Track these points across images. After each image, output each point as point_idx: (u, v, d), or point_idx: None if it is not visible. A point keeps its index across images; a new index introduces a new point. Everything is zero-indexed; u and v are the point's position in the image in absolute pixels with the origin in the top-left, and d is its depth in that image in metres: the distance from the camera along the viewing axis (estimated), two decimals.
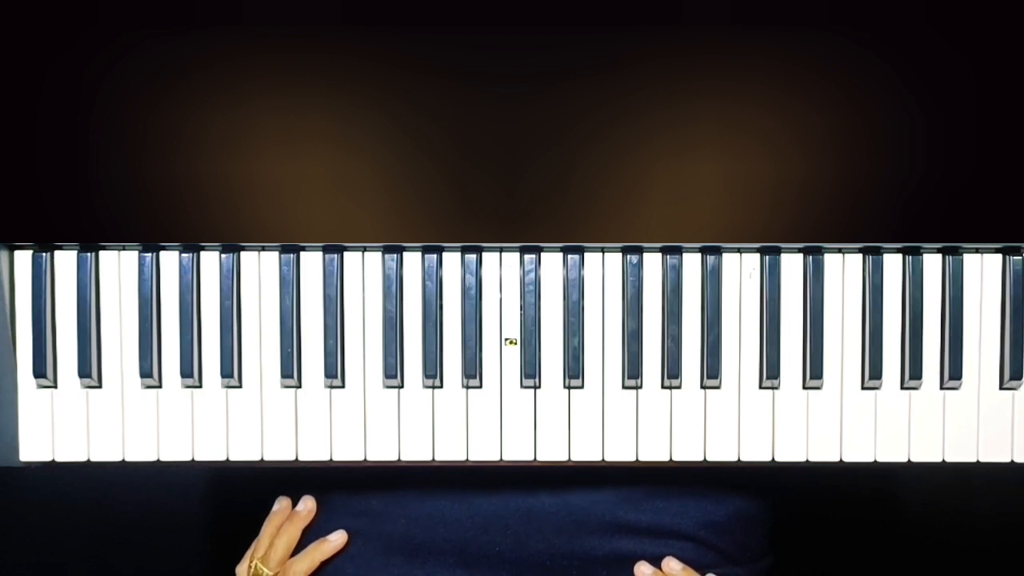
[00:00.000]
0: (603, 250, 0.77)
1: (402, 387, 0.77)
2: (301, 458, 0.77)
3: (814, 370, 0.76)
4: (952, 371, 0.76)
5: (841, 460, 0.77)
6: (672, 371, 0.76)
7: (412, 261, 0.77)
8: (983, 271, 0.77)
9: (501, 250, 0.77)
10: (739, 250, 0.77)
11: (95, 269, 0.77)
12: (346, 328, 0.77)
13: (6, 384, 0.77)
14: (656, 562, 0.79)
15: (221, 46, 0.74)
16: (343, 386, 0.77)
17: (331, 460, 0.77)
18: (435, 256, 0.77)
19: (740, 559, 0.83)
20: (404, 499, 0.81)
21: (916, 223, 0.74)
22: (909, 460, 0.77)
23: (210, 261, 0.77)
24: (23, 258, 0.77)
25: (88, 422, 0.77)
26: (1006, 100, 0.73)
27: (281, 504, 0.86)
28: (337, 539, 0.81)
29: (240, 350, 0.77)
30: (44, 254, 0.76)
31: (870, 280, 0.76)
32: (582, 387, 0.77)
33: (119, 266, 0.77)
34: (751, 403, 0.77)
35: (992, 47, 0.73)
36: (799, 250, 0.77)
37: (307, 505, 0.84)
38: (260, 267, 0.77)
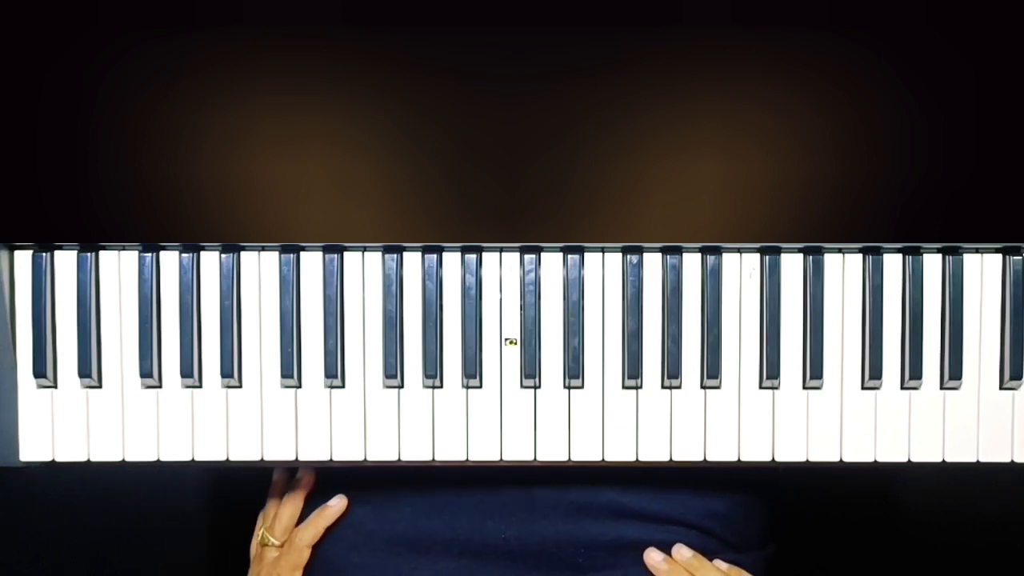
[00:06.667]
0: (603, 250, 0.77)
1: (402, 387, 0.77)
2: (301, 458, 0.77)
3: (814, 370, 0.76)
4: (952, 371, 0.76)
5: (841, 460, 0.77)
6: (672, 371, 0.76)
7: (412, 261, 0.77)
8: (983, 271, 0.77)
9: (501, 250, 0.77)
10: (739, 250, 0.77)
11: (95, 269, 0.77)
12: (346, 328, 0.77)
13: (6, 384, 0.77)
14: (663, 548, 0.79)
15: (221, 46, 0.74)
16: (343, 386, 0.77)
17: (331, 460, 0.77)
18: (435, 256, 0.77)
19: (742, 548, 0.83)
20: (408, 488, 0.81)
21: (916, 223, 0.74)
22: (909, 460, 0.77)
23: (210, 261, 0.77)
24: (23, 258, 0.77)
25: (88, 422, 0.77)
26: (1006, 100, 0.73)
27: (279, 474, 0.87)
28: (337, 504, 0.82)
29: (240, 350, 0.77)
30: (44, 254, 0.76)
31: (870, 280, 0.76)
32: (582, 387, 0.77)
33: (119, 266, 0.77)
34: (751, 403, 0.77)
35: (992, 47, 0.73)
36: (799, 250, 0.77)
37: (305, 474, 0.85)
38: (260, 267, 0.77)
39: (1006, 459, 0.77)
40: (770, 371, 0.76)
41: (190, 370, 0.76)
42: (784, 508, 0.90)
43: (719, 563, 0.80)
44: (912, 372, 0.76)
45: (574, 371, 0.76)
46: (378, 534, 0.81)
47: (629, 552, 0.80)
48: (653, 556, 0.79)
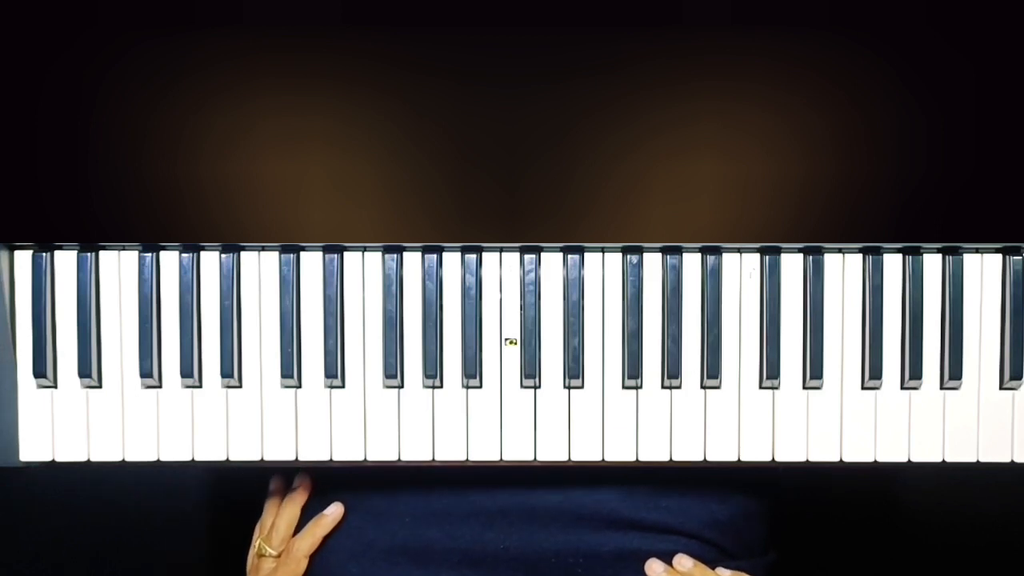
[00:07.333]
0: (603, 250, 0.77)
1: (402, 387, 0.77)
2: (301, 458, 0.77)
3: (814, 370, 0.76)
4: (952, 371, 0.76)
5: (841, 460, 0.77)
6: (672, 371, 0.76)
7: (412, 261, 0.77)
8: (983, 271, 0.77)
9: (501, 250, 0.77)
10: (739, 250, 0.77)
11: (95, 269, 0.77)
12: (346, 328, 0.77)
13: (6, 384, 0.77)
14: (663, 558, 0.79)
15: (221, 46, 0.74)
16: (343, 386, 0.77)
17: (331, 460, 0.77)
18: (435, 256, 0.77)
19: (743, 555, 0.83)
20: (406, 496, 0.81)
21: (916, 223, 0.74)
22: (909, 460, 0.77)
23: (210, 261, 0.77)
24: (23, 258, 0.77)
25: (88, 422, 0.77)
26: (1006, 100, 0.73)
27: (276, 484, 0.87)
28: (334, 512, 0.82)
29: (240, 350, 0.77)
30: (44, 254, 0.77)
31: (870, 280, 0.76)
32: (582, 387, 0.77)
33: (119, 266, 0.77)
34: (751, 403, 0.77)
35: (992, 47, 0.73)
36: (799, 250, 0.77)
37: (302, 483, 0.85)
38: (260, 267, 0.77)
39: (1006, 459, 0.77)
40: (770, 371, 0.76)
41: (190, 370, 0.76)
42: (784, 509, 0.90)
43: (721, 571, 0.79)
44: (912, 372, 0.76)
45: (574, 371, 0.76)
46: (377, 544, 0.81)
47: (629, 562, 0.79)
48: (655, 567, 0.79)
